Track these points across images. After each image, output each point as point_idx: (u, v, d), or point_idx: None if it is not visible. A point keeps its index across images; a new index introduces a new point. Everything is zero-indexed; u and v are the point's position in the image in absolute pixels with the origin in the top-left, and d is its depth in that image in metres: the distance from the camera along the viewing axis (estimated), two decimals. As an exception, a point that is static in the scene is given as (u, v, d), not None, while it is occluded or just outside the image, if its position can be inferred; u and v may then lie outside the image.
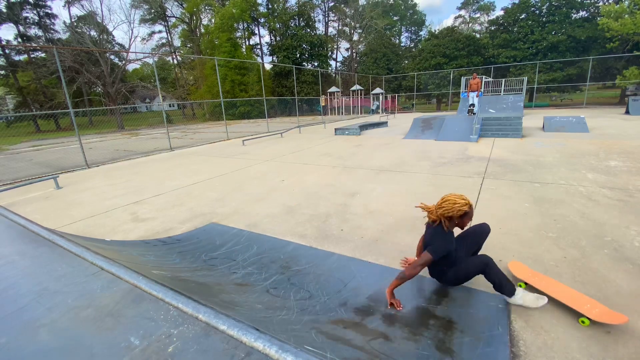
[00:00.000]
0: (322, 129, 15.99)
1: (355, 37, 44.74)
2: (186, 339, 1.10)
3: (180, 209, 4.57)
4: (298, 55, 35.61)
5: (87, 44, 28.15)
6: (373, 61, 36.74)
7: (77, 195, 5.74)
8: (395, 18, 44.94)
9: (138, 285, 1.17)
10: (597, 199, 4.09)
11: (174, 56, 40.75)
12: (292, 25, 36.39)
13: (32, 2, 29.92)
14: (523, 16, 27.63)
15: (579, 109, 20.61)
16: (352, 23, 43.90)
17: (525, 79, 18.08)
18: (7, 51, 28.41)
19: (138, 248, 2.94)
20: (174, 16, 39.13)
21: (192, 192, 5.42)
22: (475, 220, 3.59)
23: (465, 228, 2.34)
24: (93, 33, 31.05)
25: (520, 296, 2.12)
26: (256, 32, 40.00)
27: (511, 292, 2.12)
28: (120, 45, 36.02)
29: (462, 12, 46.55)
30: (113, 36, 34.29)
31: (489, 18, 39.27)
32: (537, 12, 27.31)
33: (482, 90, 14.11)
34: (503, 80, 19.40)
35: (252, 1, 34.56)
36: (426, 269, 2.37)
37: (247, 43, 38.17)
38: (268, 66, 37.64)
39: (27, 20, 30.39)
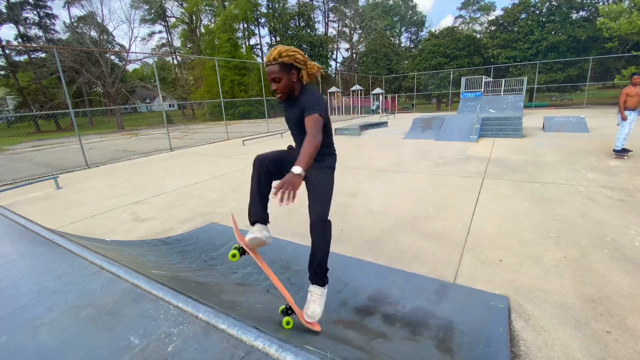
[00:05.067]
0: (322, 129, 15.97)
1: (355, 38, 44.78)
2: (186, 338, 1.10)
3: (180, 209, 4.57)
4: (298, 56, 35.63)
5: (87, 44, 28.17)
6: (373, 61, 36.75)
7: (77, 195, 5.75)
8: (395, 19, 44.96)
9: (138, 284, 1.17)
10: (597, 198, 4.09)
11: (174, 56, 40.78)
12: (292, 25, 36.44)
13: (32, 2, 29.94)
14: (523, 16, 27.63)
15: (579, 109, 20.61)
16: (352, 24, 43.93)
17: (525, 79, 18.09)
18: (7, 51, 28.42)
19: (138, 248, 2.94)
20: (174, 16, 39.18)
21: (192, 192, 5.42)
22: (475, 220, 3.61)
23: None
24: (93, 33, 31.09)
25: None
26: (256, 32, 40.05)
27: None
28: (121, 45, 36.08)
29: (463, 12, 46.59)
30: (113, 36, 34.38)
31: (489, 18, 39.27)
32: (537, 12, 27.31)
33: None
34: (503, 80, 19.41)
35: (254, 1, 34.61)
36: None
37: (247, 43, 38.22)
38: (268, 66, 37.59)
39: (28, 21, 30.44)
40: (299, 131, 1.84)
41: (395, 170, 6.22)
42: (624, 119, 6.04)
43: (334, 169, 1.99)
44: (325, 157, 1.94)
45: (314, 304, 1.73)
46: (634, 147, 7.18)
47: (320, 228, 1.82)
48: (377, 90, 27.88)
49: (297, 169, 1.54)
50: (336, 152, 2.03)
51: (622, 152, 6.17)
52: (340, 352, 1.50)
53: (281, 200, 1.44)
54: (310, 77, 1.81)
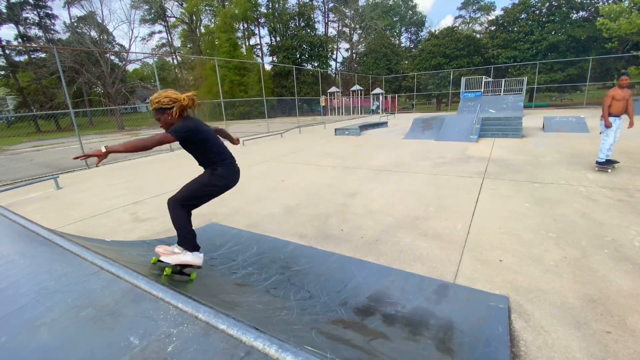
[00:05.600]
0: (322, 129, 15.99)
1: (355, 38, 44.81)
2: (186, 339, 1.10)
3: (180, 209, 4.56)
4: (298, 56, 35.67)
5: (87, 45, 28.17)
6: (373, 61, 36.77)
7: (77, 195, 5.75)
8: (395, 19, 44.97)
9: (138, 284, 1.17)
10: (597, 199, 4.09)
11: (174, 56, 40.81)
12: (292, 25, 36.45)
13: (32, 2, 29.94)
14: (523, 16, 27.63)
15: (579, 109, 20.61)
16: (352, 24, 43.96)
17: (525, 79, 18.08)
18: (7, 51, 28.43)
19: (138, 248, 2.94)
20: (174, 16, 39.20)
21: (192, 192, 5.41)
22: (475, 221, 3.61)
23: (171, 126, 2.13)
24: (93, 33, 31.10)
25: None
26: (256, 32, 40.07)
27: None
28: (121, 45, 36.08)
29: (463, 12, 46.58)
30: (113, 36, 34.36)
31: (489, 18, 39.25)
32: (537, 12, 27.32)
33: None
34: (503, 80, 19.41)
35: (254, 1, 34.63)
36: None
37: (247, 43, 38.24)
38: (268, 66, 37.69)
39: (28, 21, 30.43)
40: (191, 153, 2.30)
41: (395, 170, 6.22)
42: (607, 126, 5.22)
43: (212, 174, 2.32)
44: (207, 166, 2.35)
45: (171, 255, 2.17)
46: (633, 147, 7.17)
47: (170, 205, 2.19)
48: (377, 90, 27.90)
49: (103, 147, 1.93)
50: (223, 163, 2.38)
51: (606, 165, 5.38)
52: (340, 352, 1.50)
53: (77, 157, 1.96)
54: (186, 107, 2.17)
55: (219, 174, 2.35)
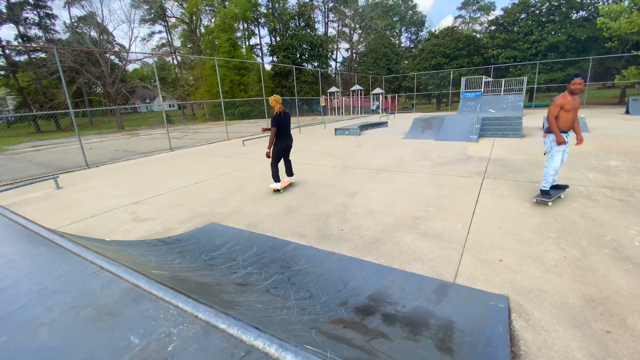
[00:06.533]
0: (322, 129, 15.99)
1: (355, 38, 44.79)
2: (186, 338, 1.10)
3: (180, 209, 4.57)
4: (298, 56, 35.67)
5: (87, 45, 28.17)
6: (373, 61, 36.76)
7: (77, 195, 5.75)
8: (395, 19, 44.97)
9: (138, 284, 1.17)
10: (597, 198, 4.09)
11: (174, 56, 40.80)
12: (292, 25, 36.44)
13: (32, 2, 29.94)
14: (523, 16, 27.62)
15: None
16: (352, 24, 43.96)
17: (525, 79, 18.07)
18: (7, 51, 28.42)
19: (138, 248, 2.94)
20: (174, 16, 39.19)
21: (192, 192, 5.42)
22: (475, 220, 3.61)
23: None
24: (93, 33, 31.10)
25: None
26: (256, 32, 40.04)
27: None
28: (121, 45, 36.07)
29: (463, 12, 46.57)
30: (113, 36, 34.35)
31: (489, 18, 39.23)
32: (537, 12, 27.30)
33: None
34: (503, 80, 19.40)
35: (254, 1, 34.63)
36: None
37: (247, 43, 38.22)
38: (268, 66, 37.68)
39: (28, 21, 30.42)
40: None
41: (395, 170, 6.22)
42: (560, 142, 3.86)
43: (276, 146, 5.01)
44: (278, 138, 4.99)
45: (271, 185, 5.15)
46: (633, 146, 7.17)
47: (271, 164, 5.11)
48: (377, 90, 27.87)
49: (267, 149, 5.04)
50: (281, 139, 5.02)
51: (547, 196, 4.00)
52: (340, 352, 1.50)
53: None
54: (278, 109, 4.93)
55: (276, 143, 4.96)
